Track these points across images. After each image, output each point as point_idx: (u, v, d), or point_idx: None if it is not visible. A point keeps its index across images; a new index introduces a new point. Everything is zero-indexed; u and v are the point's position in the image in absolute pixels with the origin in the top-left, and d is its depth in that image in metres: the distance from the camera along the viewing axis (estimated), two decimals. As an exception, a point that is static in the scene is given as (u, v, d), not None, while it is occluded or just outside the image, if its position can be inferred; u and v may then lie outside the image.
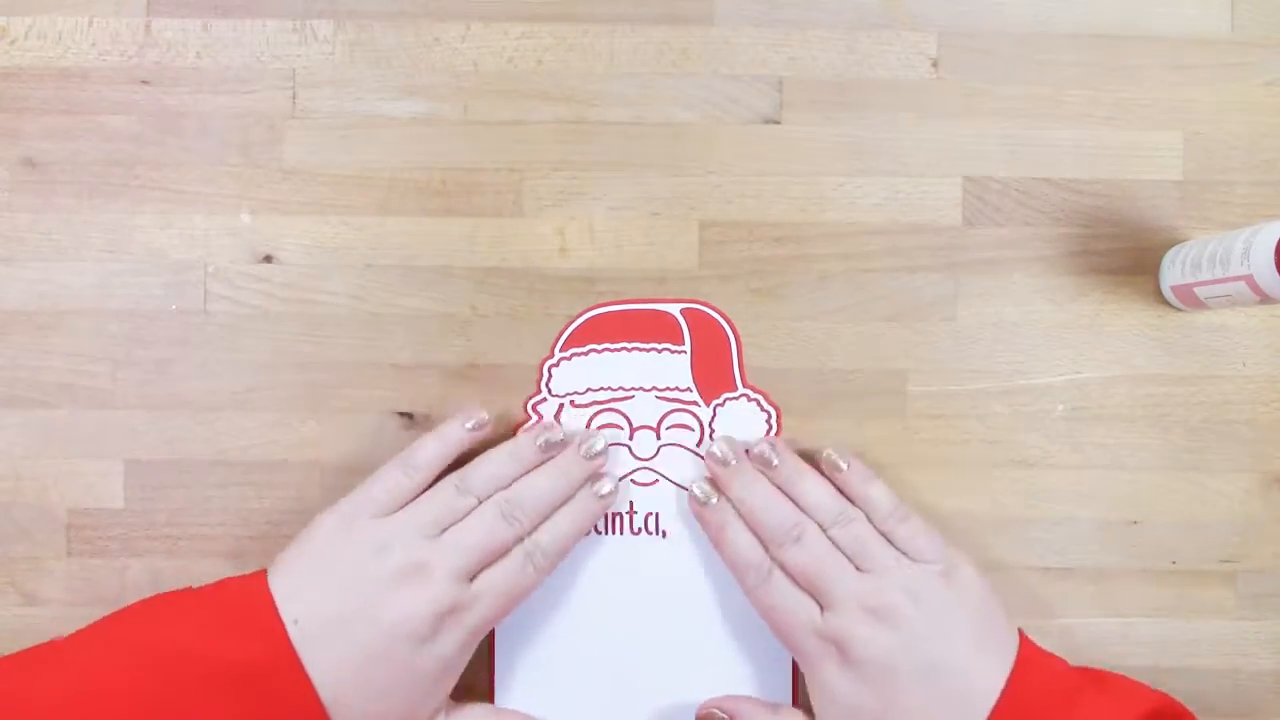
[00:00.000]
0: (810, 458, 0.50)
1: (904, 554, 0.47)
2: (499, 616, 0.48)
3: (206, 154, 0.52)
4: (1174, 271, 0.50)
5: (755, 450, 0.49)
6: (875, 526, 0.48)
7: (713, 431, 0.51)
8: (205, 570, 0.51)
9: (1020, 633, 0.46)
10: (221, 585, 0.46)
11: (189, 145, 0.52)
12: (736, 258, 0.52)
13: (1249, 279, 0.45)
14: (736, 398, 0.51)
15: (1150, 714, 0.44)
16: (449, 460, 0.49)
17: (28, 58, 0.52)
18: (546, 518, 0.49)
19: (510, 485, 0.49)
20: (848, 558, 0.47)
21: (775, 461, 0.49)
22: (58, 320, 0.51)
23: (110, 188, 0.51)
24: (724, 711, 0.49)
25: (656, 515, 0.51)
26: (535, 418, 0.51)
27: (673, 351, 0.51)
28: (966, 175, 0.52)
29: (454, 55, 0.52)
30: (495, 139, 0.52)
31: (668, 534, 0.51)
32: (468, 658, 0.48)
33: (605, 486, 0.50)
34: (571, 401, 0.51)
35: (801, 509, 0.48)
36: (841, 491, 0.49)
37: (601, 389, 0.51)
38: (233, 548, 0.51)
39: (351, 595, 0.45)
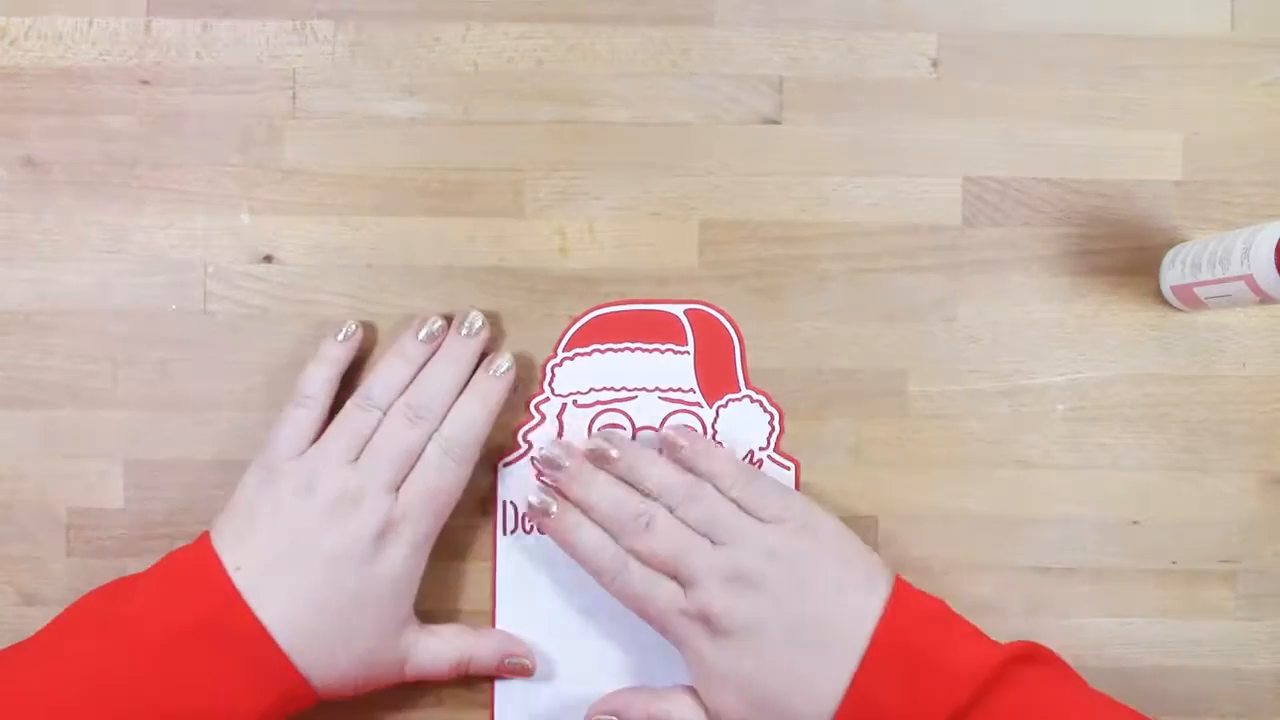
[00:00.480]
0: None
1: (757, 518, 0.47)
2: (436, 519, 0.48)
3: (206, 154, 0.52)
4: (1174, 271, 0.50)
5: (590, 446, 0.49)
6: (724, 495, 0.48)
7: (715, 432, 0.51)
8: (205, 570, 0.51)
9: (896, 576, 0.46)
10: (167, 557, 0.47)
11: (189, 145, 0.52)
12: (736, 258, 0.52)
13: (1249, 279, 0.45)
14: (739, 399, 0.51)
15: (1021, 650, 0.45)
16: (338, 379, 0.50)
17: (28, 58, 0.51)
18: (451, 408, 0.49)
19: (408, 388, 0.49)
20: (701, 534, 0.47)
21: (614, 453, 0.49)
22: (58, 320, 0.51)
23: (110, 188, 0.51)
24: (609, 713, 0.49)
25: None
26: (538, 417, 0.51)
27: (676, 352, 0.51)
28: (966, 175, 0.52)
29: (454, 55, 0.52)
30: (495, 139, 0.52)
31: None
32: (419, 569, 0.48)
33: (502, 363, 0.50)
34: (574, 401, 0.51)
35: (646, 493, 0.48)
36: (688, 469, 0.49)
37: (604, 389, 0.51)
38: (233, 548, 0.51)
39: (287, 536, 0.46)
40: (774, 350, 0.52)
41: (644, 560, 0.47)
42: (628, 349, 0.51)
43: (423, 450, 0.48)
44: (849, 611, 0.45)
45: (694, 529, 0.47)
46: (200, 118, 0.52)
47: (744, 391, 0.51)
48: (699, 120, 0.52)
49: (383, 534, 0.46)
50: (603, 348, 0.51)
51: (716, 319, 0.51)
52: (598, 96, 0.52)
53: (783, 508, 0.47)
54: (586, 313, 0.51)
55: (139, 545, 0.51)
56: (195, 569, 0.46)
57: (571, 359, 0.51)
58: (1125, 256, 0.52)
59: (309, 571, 0.46)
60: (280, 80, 0.52)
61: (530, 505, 0.49)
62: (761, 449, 0.51)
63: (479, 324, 0.50)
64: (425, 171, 0.52)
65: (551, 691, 0.51)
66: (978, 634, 0.46)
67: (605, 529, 0.48)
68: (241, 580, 0.45)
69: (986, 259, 0.52)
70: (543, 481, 0.50)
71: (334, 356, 0.50)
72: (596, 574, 0.48)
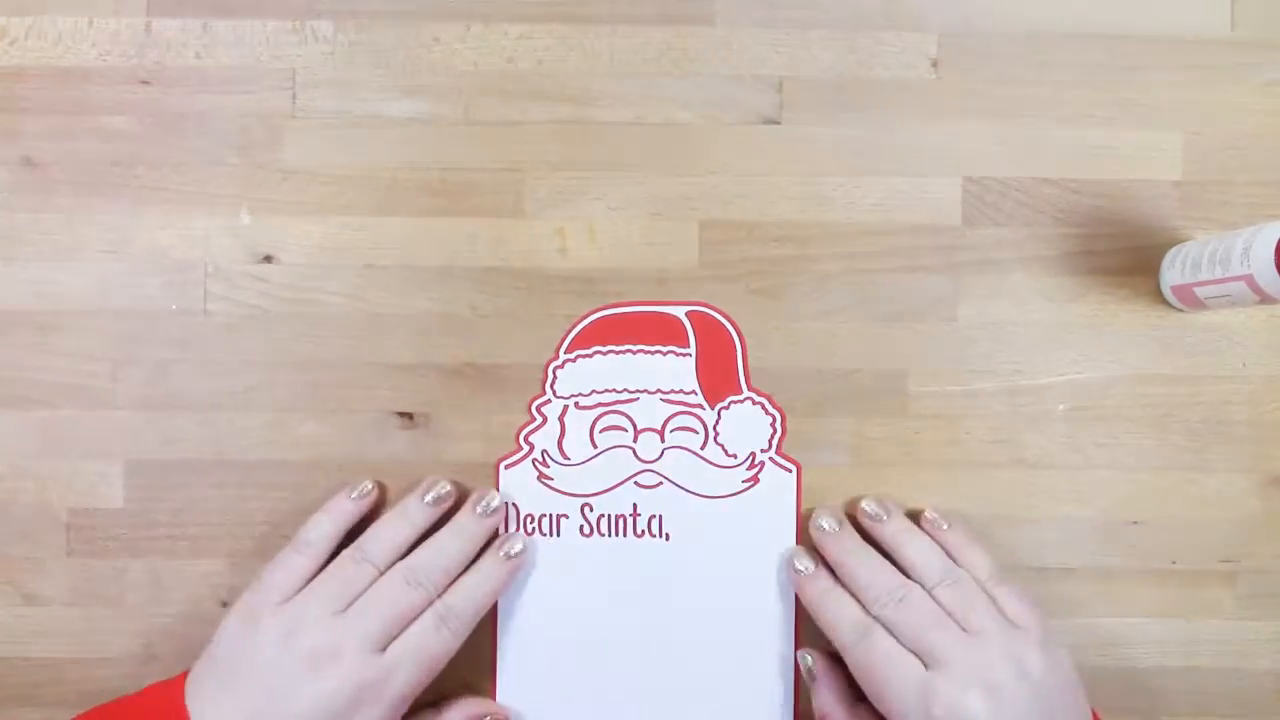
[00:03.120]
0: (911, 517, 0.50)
1: (1005, 618, 0.47)
2: (418, 684, 0.47)
3: (206, 154, 0.52)
4: (1174, 271, 0.50)
5: (864, 507, 0.50)
6: (980, 586, 0.48)
7: (717, 434, 0.51)
8: (205, 570, 0.51)
9: (1094, 713, 0.47)
10: (141, 695, 0.46)
11: (189, 145, 0.52)
12: (736, 258, 0.52)
13: (1249, 279, 0.45)
14: (741, 401, 0.51)
15: None
16: (342, 534, 0.49)
17: (28, 58, 0.51)
18: (454, 578, 0.48)
19: (410, 552, 0.48)
20: (953, 619, 0.47)
21: (884, 517, 0.49)
22: (58, 320, 0.51)
23: (110, 188, 0.51)
24: None
25: (660, 518, 0.51)
26: (540, 419, 0.51)
27: (678, 354, 0.51)
28: (966, 175, 0.52)
29: (454, 55, 0.52)
30: (495, 139, 0.52)
31: (670, 537, 0.51)
32: None
33: (515, 545, 0.50)
34: (576, 403, 0.51)
35: (905, 568, 0.48)
36: (946, 551, 0.49)
37: (606, 390, 0.51)
38: (233, 548, 0.51)
39: (263, 690, 0.45)
40: (774, 350, 0.52)
41: (891, 630, 0.47)
42: (629, 351, 0.51)
43: (417, 615, 0.47)
44: None
45: (946, 611, 0.47)
46: (200, 118, 0.52)
47: (746, 393, 0.51)
48: (699, 120, 0.52)
49: (362, 691, 0.45)
50: (604, 349, 0.51)
51: (718, 321, 0.51)
52: (598, 96, 0.52)
53: (1028, 616, 0.47)
54: (588, 314, 0.51)
55: (139, 545, 0.51)
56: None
57: (573, 360, 0.51)
58: (1125, 256, 0.52)
59: None
60: (280, 80, 0.52)
61: (791, 565, 0.50)
62: (763, 451, 0.51)
63: (495, 504, 0.50)
64: (425, 171, 0.52)
65: (555, 682, 0.51)
66: None
67: (856, 595, 0.48)
68: None
69: (986, 259, 0.52)
70: (545, 483, 0.50)
71: (342, 510, 0.49)
72: (838, 638, 0.48)
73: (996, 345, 0.52)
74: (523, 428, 0.51)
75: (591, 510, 0.51)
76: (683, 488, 0.51)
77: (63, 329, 0.51)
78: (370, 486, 0.50)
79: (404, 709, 0.47)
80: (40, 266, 0.51)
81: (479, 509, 0.49)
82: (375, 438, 0.51)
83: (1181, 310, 0.51)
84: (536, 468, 0.51)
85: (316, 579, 0.47)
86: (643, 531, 0.51)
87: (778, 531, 0.51)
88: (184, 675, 0.46)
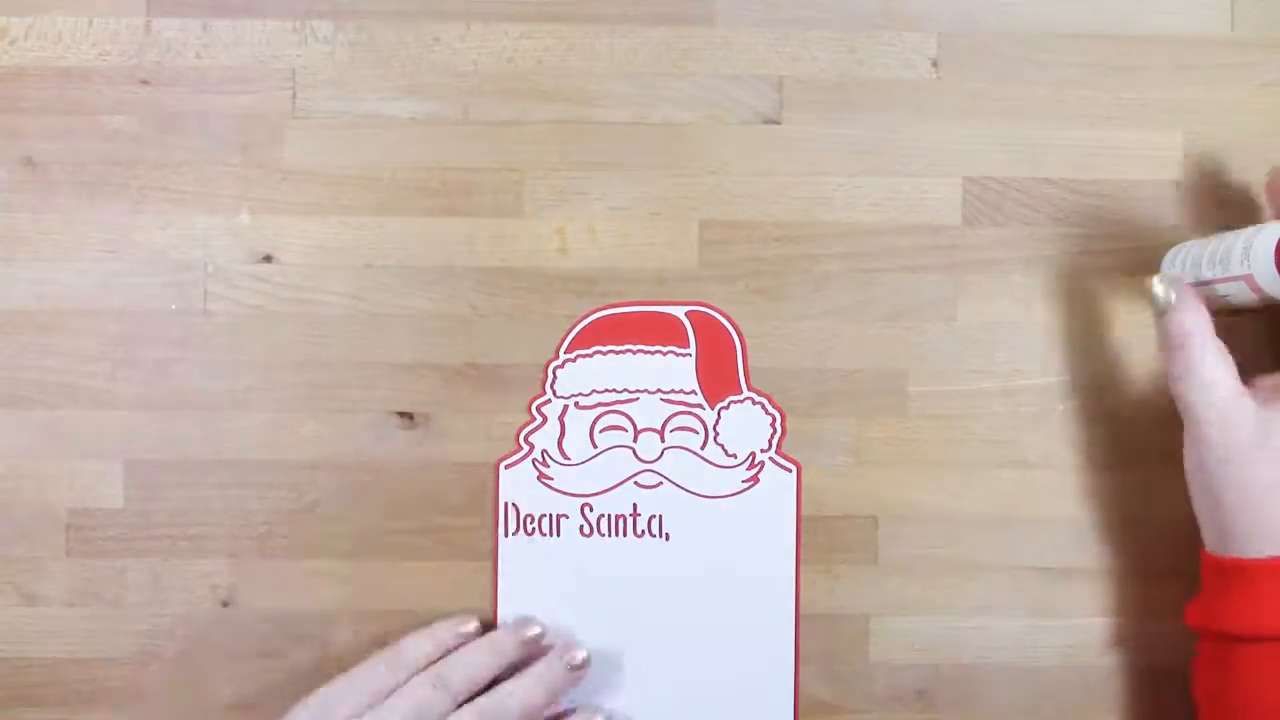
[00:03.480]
0: None
1: None
2: None
3: (206, 154, 0.52)
4: (1174, 271, 0.50)
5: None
6: None
7: (717, 434, 0.51)
8: (205, 570, 0.51)
9: None
10: None
11: (189, 145, 0.52)
12: (736, 258, 0.52)
13: (1249, 279, 0.45)
14: (741, 401, 0.51)
15: None
16: (432, 660, 0.49)
17: (28, 58, 0.51)
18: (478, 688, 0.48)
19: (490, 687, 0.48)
20: None
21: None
22: (58, 320, 0.51)
23: (110, 188, 0.51)
24: None
25: (660, 518, 0.51)
26: (540, 419, 0.51)
27: (678, 354, 0.51)
28: (966, 175, 0.52)
29: (454, 55, 0.52)
30: (495, 139, 0.52)
31: (670, 537, 0.51)
32: None
33: (579, 657, 0.49)
34: (576, 403, 0.51)
35: None
36: None
37: (606, 390, 0.51)
38: (233, 548, 0.51)
39: None
40: (774, 350, 0.52)
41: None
42: (629, 351, 0.51)
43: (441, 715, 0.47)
44: None
45: None
46: (200, 118, 0.52)
47: (746, 393, 0.51)
48: (699, 120, 0.52)
49: None
50: (604, 349, 0.51)
51: (718, 321, 0.51)
52: (598, 96, 0.52)
53: None
54: (588, 314, 0.51)
55: (139, 545, 0.51)
56: None
57: (573, 360, 0.51)
58: (1125, 256, 0.52)
59: None
60: (280, 80, 0.52)
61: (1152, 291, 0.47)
62: (763, 451, 0.51)
63: (580, 660, 0.49)
64: (425, 171, 0.52)
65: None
66: None
67: None
68: None
69: (986, 259, 0.52)
70: (545, 483, 0.50)
71: (444, 641, 0.49)
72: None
73: (996, 345, 0.52)
74: (523, 428, 0.51)
75: (591, 510, 0.51)
76: (683, 488, 0.51)
77: (63, 329, 0.51)
78: (476, 627, 0.50)
79: None
80: (40, 266, 0.51)
81: (568, 662, 0.49)
82: (375, 438, 0.51)
83: None
84: (536, 468, 0.51)
85: (392, 695, 0.47)
86: (643, 531, 0.51)
87: (777, 531, 0.51)
88: None
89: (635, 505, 0.51)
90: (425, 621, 0.50)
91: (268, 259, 0.51)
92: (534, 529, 0.51)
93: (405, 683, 0.47)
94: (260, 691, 0.51)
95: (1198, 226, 0.52)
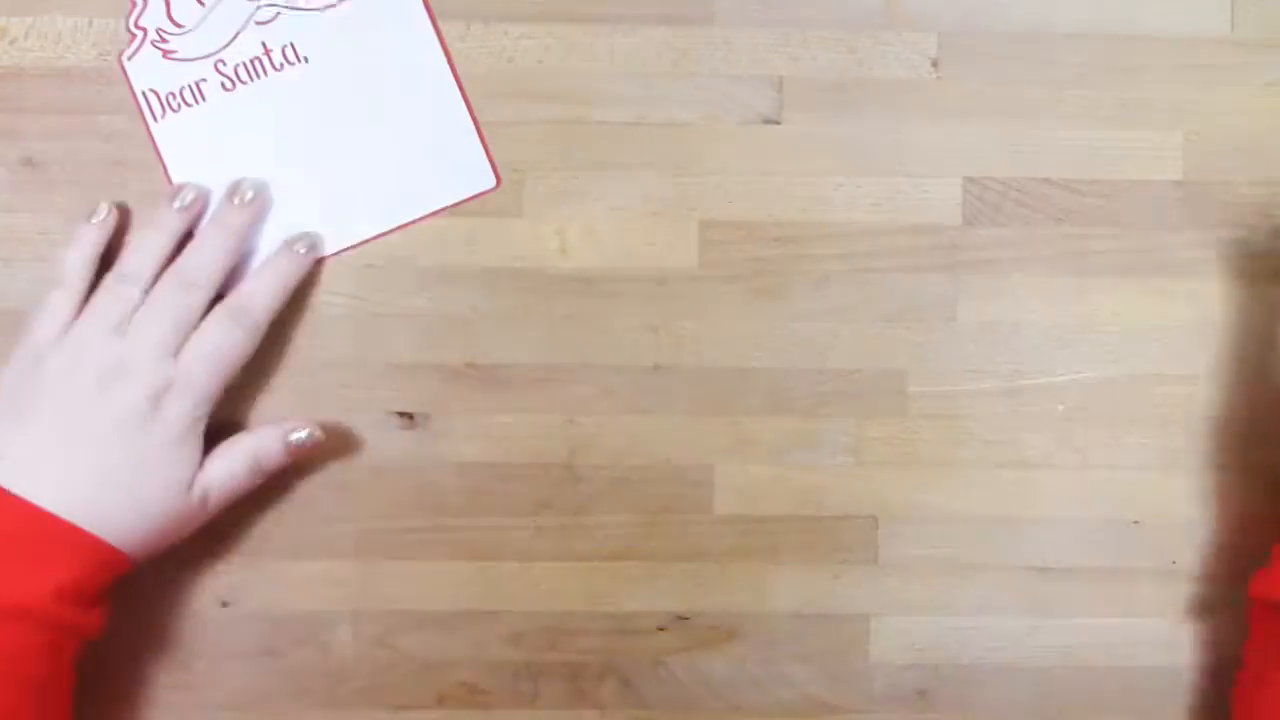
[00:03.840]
0: None
1: None
2: (219, 384, 0.47)
3: (206, 154, 0.52)
4: None
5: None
6: None
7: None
8: (205, 570, 0.51)
9: None
10: None
11: (189, 145, 0.52)
12: (736, 258, 0.52)
13: None
14: None
15: None
16: (95, 261, 0.48)
17: (28, 58, 0.51)
18: (230, 275, 0.48)
19: (176, 259, 0.48)
20: None
21: None
22: (58, 320, 0.51)
23: (110, 188, 0.51)
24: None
25: (291, 45, 0.51)
26: (141, 2, 0.50)
27: None
28: (966, 175, 0.52)
29: (454, 55, 0.52)
30: (495, 139, 0.52)
31: (309, 58, 0.51)
32: (201, 425, 0.47)
33: (302, 244, 0.49)
34: None
35: None
36: None
37: None
38: (233, 548, 0.51)
39: (59, 424, 0.45)
40: (774, 350, 0.52)
41: None
42: None
43: (200, 318, 0.47)
44: None
45: None
46: (200, 117, 0.52)
47: None
48: (699, 120, 0.52)
49: (158, 396, 0.45)
50: None
51: None
52: (598, 96, 0.52)
53: None
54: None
55: (139, 545, 0.51)
56: None
57: None
58: (1125, 256, 0.52)
59: (82, 448, 0.45)
60: (280, 80, 0.52)
61: None
62: None
63: (253, 192, 0.49)
64: (425, 171, 0.52)
65: (268, 244, 0.51)
66: None
67: None
68: (4, 470, 0.44)
69: (987, 259, 0.52)
70: (171, 58, 0.51)
71: (89, 240, 0.48)
72: None
73: (996, 345, 0.52)
74: (128, 16, 0.51)
75: (225, 64, 0.51)
76: (299, 8, 0.51)
77: (63, 329, 0.51)
78: (107, 209, 0.49)
79: (209, 409, 0.47)
80: (40, 266, 0.51)
81: (236, 200, 0.49)
82: (375, 438, 0.51)
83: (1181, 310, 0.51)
84: (156, 47, 0.50)
85: (85, 307, 0.47)
86: (281, 64, 0.51)
87: (410, 17, 0.51)
88: None
89: (264, 43, 0.51)
90: (425, 621, 0.50)
91: (268, 259, 0.51)
92: (179, 104, 0.51)
93: (152, 291, 0.47)
94: (260, 691, 0.51)
95: (1198, 226, 0.52)
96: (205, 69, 0.51)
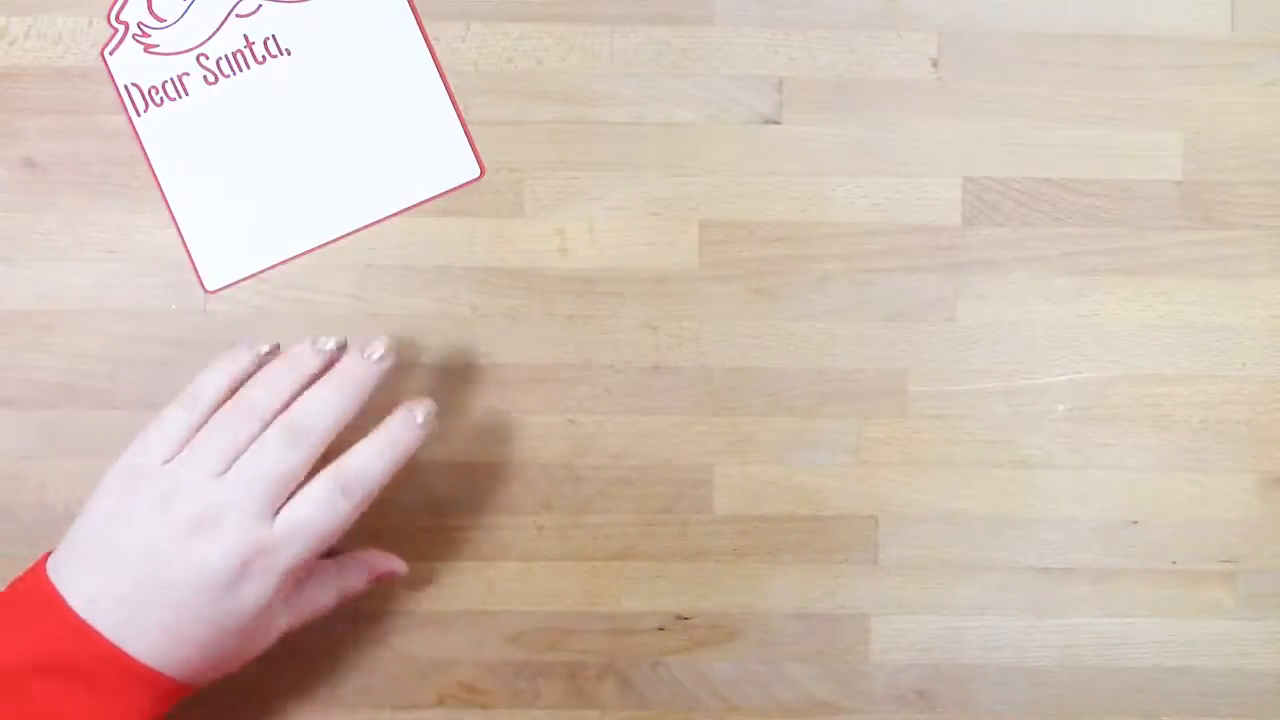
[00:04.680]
0: None
1: None
2: (311, 558, 0.44)
3: (206, 154, 0.52)
4: None
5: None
6: None
7: None
8: (205, 570, 0.51)
9: None
10: (9, 587, 0.44)
11: (189, 145, 0.52)
12: (736, 258, 0.52)
13: None
14: None
15: None
16: (234, 390, 0.45)
17: (28, 58, 0.51)
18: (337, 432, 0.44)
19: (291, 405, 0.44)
20: None
21: None
22: (58, 320, 0.51)
23: (110, 188, 0.51)
24: None
25: (273, 37, 0.51)
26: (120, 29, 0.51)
27: None
28: (966, 175, 0.52)
29: (454, 55, 0.52)
30: (495, 139, 0.52)
31: (291, 51, 0.51)
32: (286, 592, 0.44)
33: (421, 413, 0.45)
34: None
35: None
36: None
37: None
38: (233, 548, 0.51)
39: (139, 561, 0.42)
40: (774, 350, 0.52)
41: None
42: None
43: (302, 477, 0.44)
44: None
45: None
46: (200, 117, 0.52)
47: None
48: (699, 120, 0.52)
49: (245, 564, 0.42)
50: None
51: None
52: (598, 96, 0.52)
53: None
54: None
55: (139, 545, 0.51)
56: (33, 602, 0.42)
57: None
58: (1125, 256, 0.52)
59: (166, 602, 0.42)
60: (280, 80, 0.52)
61: None
62: None
63: (381, 353, 0.45)
64: (425, 171, 0.52)
65: (247, 236, 0.51)
66: None
67: None
68: (93, 611, 0.42)
69: (987, 259, 0.52)
70: (152, 52, 0.50)
71: (240, 365, 0.45)
72: None
73: (996, 345, 0.52)
74: (109, 10, 0.51)
75: (207, 58, 0.51)
76: (281, 0, 0.51)
77: (62, 329, 0.51)
78: (268, 349, 0.46)
79: (294, 583, 0.44)
80: (40, 266, 0.51)
81: (366, 354, 0.45)
82: (375, 438, 0.51)
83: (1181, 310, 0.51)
84: (138, 41, 0.50)
85: (198, 435, 0.44)
86: (263, 57, 0.51)
87: (392, 8, 0.51)
88: (45, 555, 0.44)
89: (245, 36, 0.51)
90: (424, 621, 0.50)
91: (268, 259, 0.51)
92: (162, 98, 0.51)
93: (258, 436, 0.43)
94: (260, 691, 0.51)
95: (1198, 226, 0.52)
96: (187, 63, 0.51)
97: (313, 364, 0.45)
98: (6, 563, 0.51)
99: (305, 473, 0.44)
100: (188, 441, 0.44)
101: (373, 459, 0.44)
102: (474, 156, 0.51)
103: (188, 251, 0.51)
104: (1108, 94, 0.52)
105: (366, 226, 0.51)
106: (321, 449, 0.44)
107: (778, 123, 0.52)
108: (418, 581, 0.51)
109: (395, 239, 0.51)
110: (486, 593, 0.52)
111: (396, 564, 0.49)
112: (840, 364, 0.52)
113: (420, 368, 0.51)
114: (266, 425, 0.44)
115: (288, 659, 0.51)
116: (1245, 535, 0.52)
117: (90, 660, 0.42)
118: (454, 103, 0.51)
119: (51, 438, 0.51)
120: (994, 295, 0.52)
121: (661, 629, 0.52)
